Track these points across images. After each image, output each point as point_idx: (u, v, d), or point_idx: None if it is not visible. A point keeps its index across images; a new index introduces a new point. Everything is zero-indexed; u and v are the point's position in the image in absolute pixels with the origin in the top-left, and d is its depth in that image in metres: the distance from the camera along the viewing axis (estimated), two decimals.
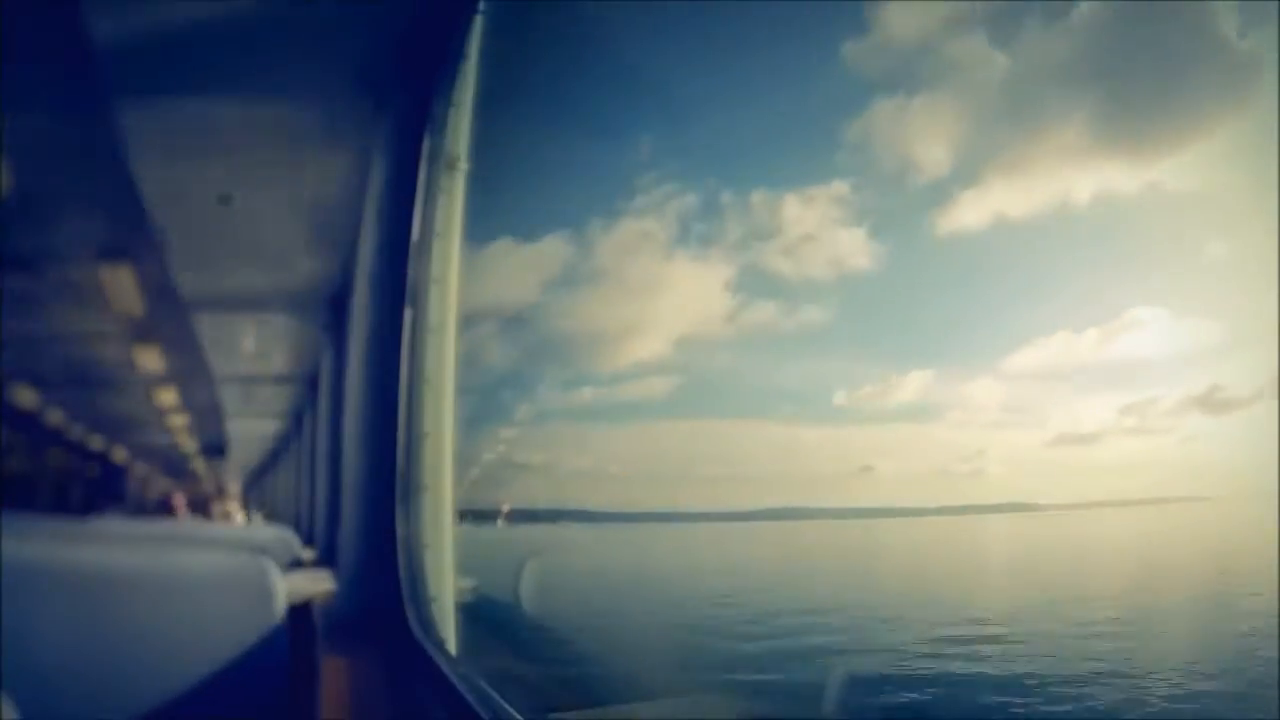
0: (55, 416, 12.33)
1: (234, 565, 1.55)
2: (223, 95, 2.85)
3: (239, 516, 11.58)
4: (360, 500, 2.39)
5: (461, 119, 2.39)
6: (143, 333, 6.90)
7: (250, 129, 3.12)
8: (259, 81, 2.78)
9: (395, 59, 2.46)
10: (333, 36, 2.53)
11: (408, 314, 2.33)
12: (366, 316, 2.47)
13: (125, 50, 2.58)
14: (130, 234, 4.29)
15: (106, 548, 1.67)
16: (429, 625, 2.16)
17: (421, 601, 2.20)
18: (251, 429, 11.60)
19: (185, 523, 7.96)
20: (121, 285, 5.45)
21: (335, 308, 4.92)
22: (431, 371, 2.32)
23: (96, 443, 15.61)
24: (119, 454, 17.22)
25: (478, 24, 2.35)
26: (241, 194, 3.71)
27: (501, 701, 1.51)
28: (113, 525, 4.88)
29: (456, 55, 2.36)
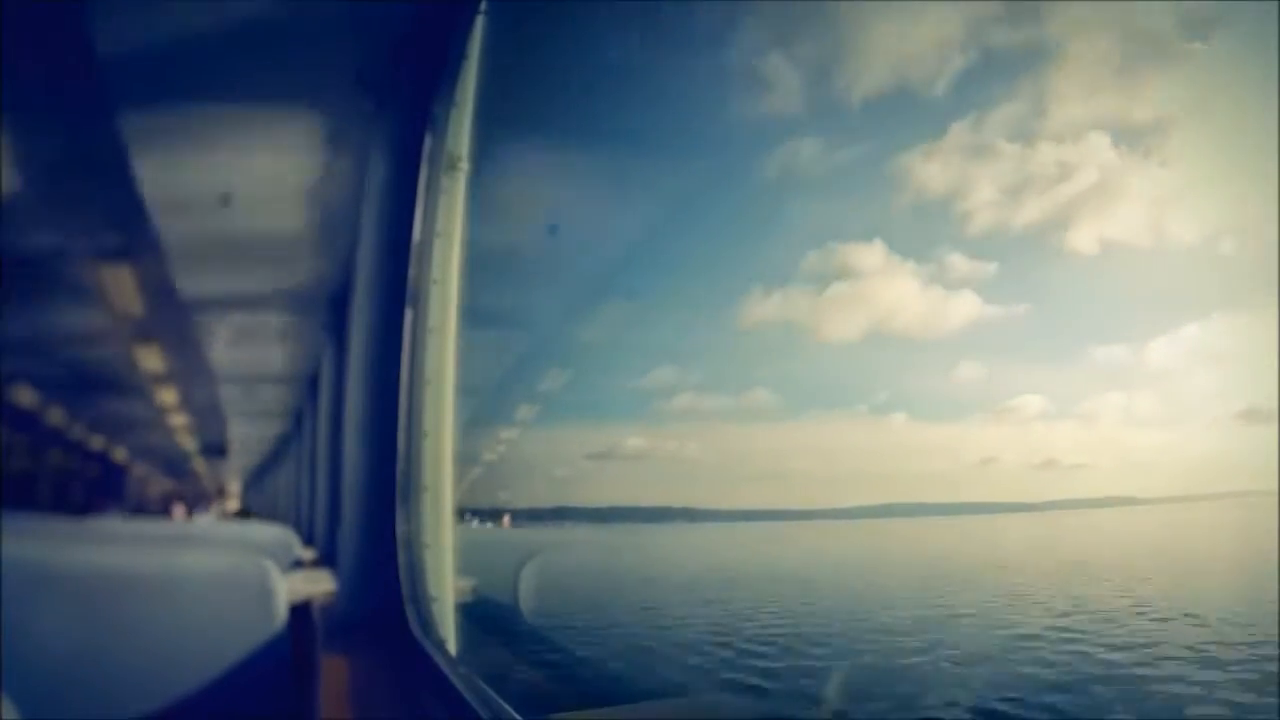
0: (55, 416, 12.33)
1: (234, 566, 1.55)
2: (223, 95, 2.85)
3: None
4: (360, 500, 2.39)
5: (461, 119, 2.39)
6: (143, 333, 6.90)
7: (250, 129, 3.12)
8: (259, 82, 2.78)
9: (395, 59, 2.46)
10: (333, 36, 2.53)
11: (408, 314, 2.33)
12: (366, 316, 2.46)
13: (125, 50, 2.58)
14: (130, 234, 4.29)
15: (106, 548, 1.67)
16: (429, 625, 2.15)
17: (421, 601, 2.20)
18: (251, 429, 11.60)
19: (184, 524, 7.97)
20: (121, 285, 5.45)
21: (335, 308, 4.92)
22: (431, 371, 2.32)
23: (96, 443, 15.61)
24: (119, 454, 17.21)
25: (478, 24, 2.35)
26: (241, 194, 3.71)
27: (501, 702, 1.51)
28: (113, 525, 4.88)
29: (457, 55, 2.36)
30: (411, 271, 2.34)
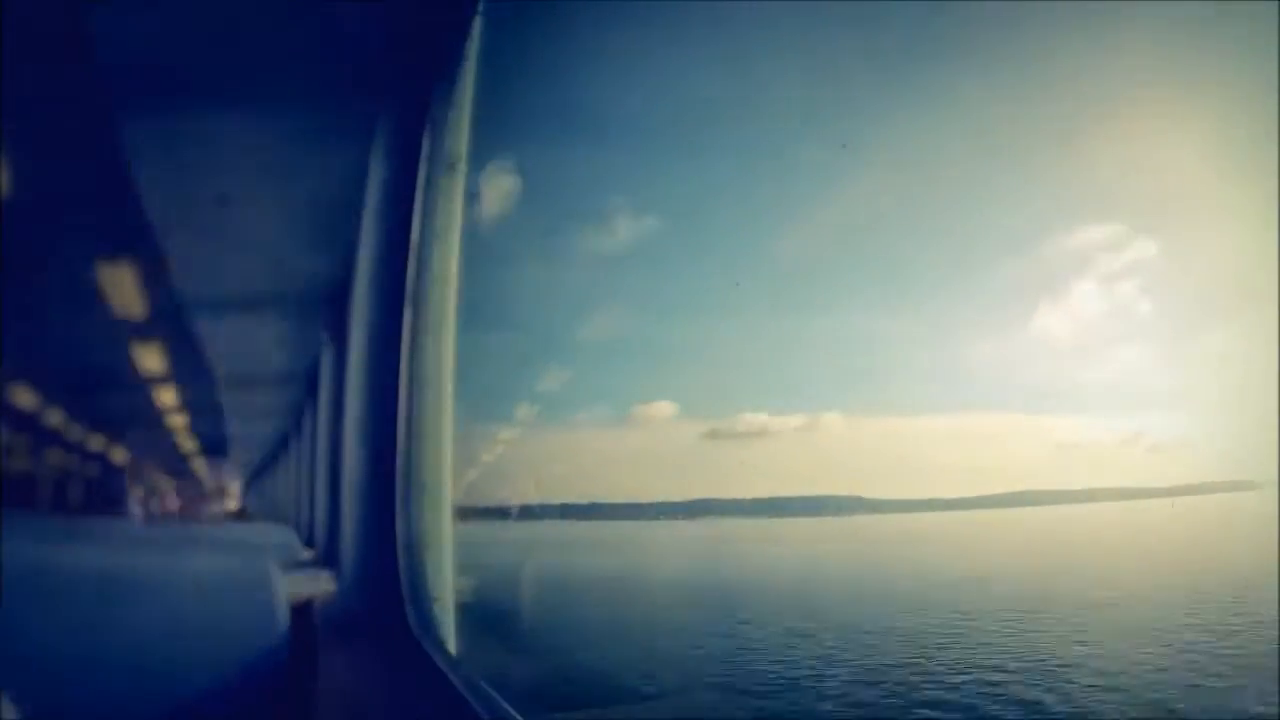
0: (55, 416, 12.32)
1: (236, 566, 1.56)
2: (223, 96, 2.85)
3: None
4: (360, 500, 2.39)
5: (461, 119, 2.39)
6: (143, 333, 6.90)
7: (250, 129, 3.13)
8: (260, 82, 2.78)
9: (395, 59, 2.46)
10: (333, 37, 2.53)
11: (408, 314, 2.33)
12: (366, 316, 2.47)
13: (127, 52, 2.58)
14: (130, 234, 4.29)
15: (107, 548, 1.68)
16: (429, 625, 2.16)
17: (421, 601, 2.20)
18: (251, 429, 11.60)
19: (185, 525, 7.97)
20: (121, 285, 5.44)
21: (335, 308, 4.92)
22: (431, 371, 2.32)
23: (96, 443, 15.60)
24: (119, 454, 17.20)
25: (478, 25, 2.35)
26: (241, 194, 3.71)
27: (502, 701, 1.51)
28: (113, 526, 4.88)
29: (456, 56, 2.36)
30: (411, 271, 2.34)
